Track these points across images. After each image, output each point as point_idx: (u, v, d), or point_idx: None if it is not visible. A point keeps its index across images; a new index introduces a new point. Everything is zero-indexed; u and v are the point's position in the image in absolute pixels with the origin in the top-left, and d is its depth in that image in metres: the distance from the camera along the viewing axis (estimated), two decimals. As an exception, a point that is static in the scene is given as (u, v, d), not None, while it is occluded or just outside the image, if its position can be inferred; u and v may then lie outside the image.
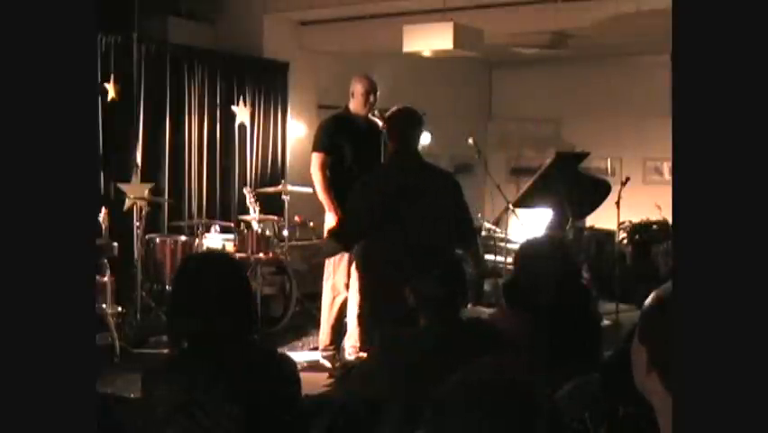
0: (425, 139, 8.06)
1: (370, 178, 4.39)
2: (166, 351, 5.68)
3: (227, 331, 2.21)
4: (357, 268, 4.58)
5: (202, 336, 2.20)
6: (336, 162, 5.33)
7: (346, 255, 5.10)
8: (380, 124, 5.17)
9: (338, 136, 5.38)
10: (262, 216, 6.49)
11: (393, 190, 4.09)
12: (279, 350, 2.35)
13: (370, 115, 5.38)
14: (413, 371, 2.66)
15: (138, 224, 6.24)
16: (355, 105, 5.45)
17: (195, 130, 7.31)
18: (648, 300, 1.37)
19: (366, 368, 2.92)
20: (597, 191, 7.16)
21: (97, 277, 5.40)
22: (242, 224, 6.75)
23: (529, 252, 3.28)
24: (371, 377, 2.83)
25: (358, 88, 5.42)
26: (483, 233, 7.16)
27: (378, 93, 5.43)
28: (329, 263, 5.35)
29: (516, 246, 5.99)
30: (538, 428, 1.22)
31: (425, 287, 2.80)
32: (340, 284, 5.33)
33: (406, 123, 4.28)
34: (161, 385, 2.16)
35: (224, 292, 2.23)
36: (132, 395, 4.70)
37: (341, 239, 4.28)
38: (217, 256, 2.64)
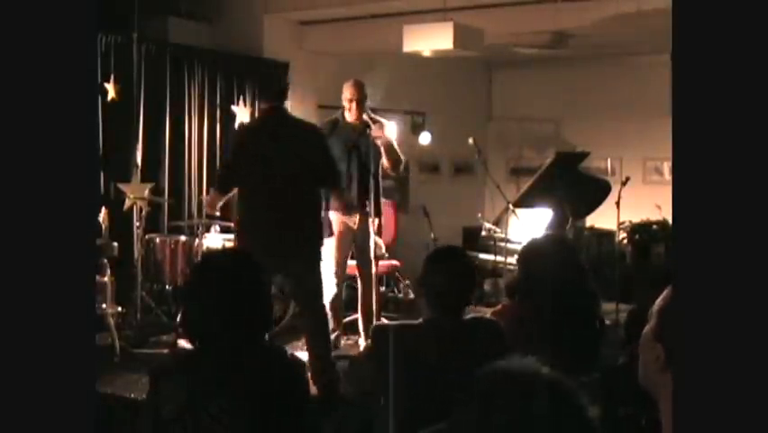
0: (425, 139, 8.13)
1: (244, 129, 5.26)
2: (166, 351, 5.70)
3: (243, 331, 2.19)
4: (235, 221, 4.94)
5: (216, 336, 2.18)
6: None
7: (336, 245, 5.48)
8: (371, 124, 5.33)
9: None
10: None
11: (264, 140, 4.66)
12: (280, 350, 2.32)
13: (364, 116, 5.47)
14: (408, 365, 2.66)
15: (138, 224, 6.23)
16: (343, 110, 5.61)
17: (195, 130, 7.30)
18: (664, 298, 1.36)
19: (360, 364, 2.91)
20: (597, 191, 7.15)
21: (97, 277, 5.40)
22: (242, 223, 6.74)
23: (534, 251, 3.27)
24: (366, 373, 2.83)
25: (343, 95, 5.58)
26: (483, 233, 7.17)
27: (363, 98, 5.51)
28: (331, 257, 5.51)
29: (516, 246, 6.01)
30: (566, 423, 1.21)
31: (439, 281, 2.79)
32: (339, 271, 5.60)
33: (274, 87, 5.06)
34: (170, 384, 2.14)
35: (243, 292, 2.20)
36: (132, 395, 4.69)
37: (217, 185, 4.95)
38: (236, 255, 2.60)
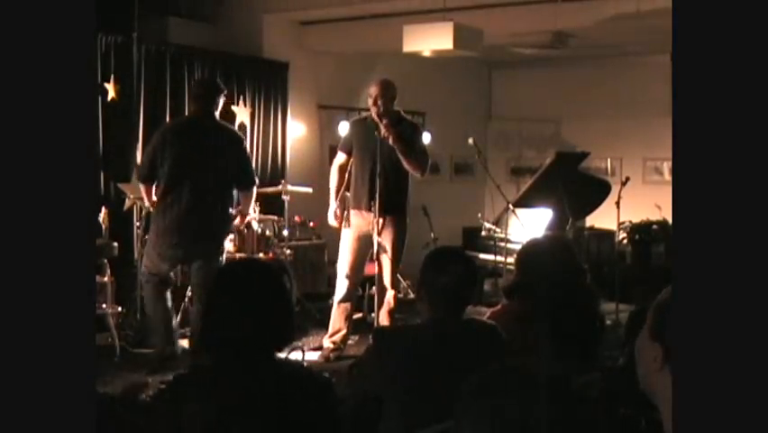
0: (425, 139, 8.11)
1: (171, 127, 5.54)
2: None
3: (266, 347, 2.11)
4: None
5: (237, 352, 2.09)
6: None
7: (350, 247, 5.54)
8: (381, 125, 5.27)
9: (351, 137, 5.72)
10: (262, 216, 6.49)
11: (187, 139, 5.10)
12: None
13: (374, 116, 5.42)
14: (409, 366, 2.66)
15: (138, 224, 6.23)
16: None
17: (195, 130, 7.30)
18: (661, 297, 1.36)
19: (362, 365, 2.91)
20: (597, 191, 7.16)
21: (97, 277, 5.40)
22: (242, 224, 6.75)
23: (531, 251, 3.26)
24: (368, 374, 2.82)
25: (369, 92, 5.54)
26: (483, 233, 7.16)
27: (381, 97, 5.42)
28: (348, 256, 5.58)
29: (516, 246, 6.00)
30: (567, 423, 1.21)
31: (440, 282, 2.76)
32: (352, 274, 5.64)
33: (208, 90, 5.26)
34: (190, 398, 2.05)
35: (267, 305, 2.11)
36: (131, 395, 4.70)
37: (141, 177, 5.31)
38: (260, 266, 2.50)
